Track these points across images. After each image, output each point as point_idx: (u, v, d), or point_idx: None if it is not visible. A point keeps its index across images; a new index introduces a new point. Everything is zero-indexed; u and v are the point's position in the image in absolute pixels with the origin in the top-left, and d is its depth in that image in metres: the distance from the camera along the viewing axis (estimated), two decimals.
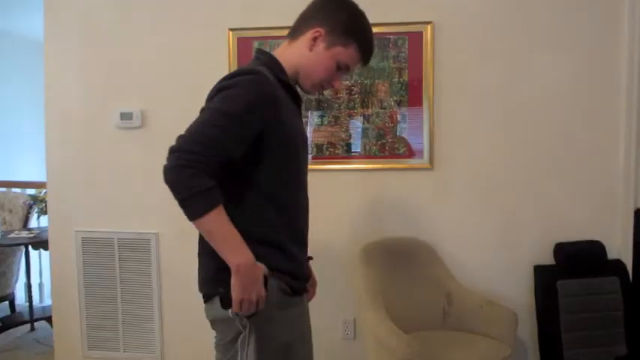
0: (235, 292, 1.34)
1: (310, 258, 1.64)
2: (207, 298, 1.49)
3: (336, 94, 2.75)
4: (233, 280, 1.34)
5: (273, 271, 1.42)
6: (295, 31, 1.54)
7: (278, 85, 1.46)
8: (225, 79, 1.42)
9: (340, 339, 2.85)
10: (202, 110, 1.41)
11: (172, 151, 1.31)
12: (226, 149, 1.33)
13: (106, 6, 2.93)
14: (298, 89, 1.59)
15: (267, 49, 1.59)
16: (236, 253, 1.34)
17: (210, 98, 1.42)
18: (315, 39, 1.49)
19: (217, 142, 1.31)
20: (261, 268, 1.38)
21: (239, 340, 1.41)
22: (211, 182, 1.29)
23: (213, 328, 1.52)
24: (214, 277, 1.43)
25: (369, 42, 1.57)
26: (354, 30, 1.52)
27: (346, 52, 1.51)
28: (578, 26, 2.66)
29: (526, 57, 2.69)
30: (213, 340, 1.55)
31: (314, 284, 1.73)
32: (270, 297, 1.40)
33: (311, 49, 1.50)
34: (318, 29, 1.49)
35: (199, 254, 1.51)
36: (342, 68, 1.54)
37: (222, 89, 1.39)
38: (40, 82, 3.01)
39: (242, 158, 1.37)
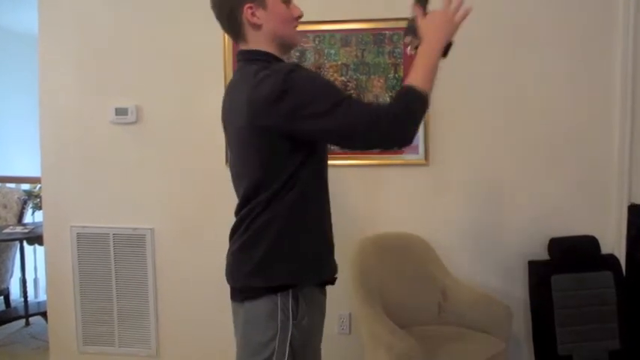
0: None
1: None
2: (248, 295, 1.47)
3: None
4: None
5: (315, 261, 1.52)
6: (236, 32, 1.49)
7: None
8: (278, 83, 1.34)
9: (336, 334, 2.86)
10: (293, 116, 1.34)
11: (381, 143, 1.38)
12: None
13: (100, 1, 2.91)
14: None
15: (245, 47, 1.52)
16: (436, 49, 1.46)
17: (272, 102, 1.34)
18: (253, 14, 1.45)
19: (359, 103, 1.37)
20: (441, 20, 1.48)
21: (277, 337, 1.42)
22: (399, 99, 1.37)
23: (246, 328, 1.49)
24: (260, 270, 1.45)
25: None
26: None
27: None
28: (573, 23, 2.67)
29: (520, 52, 2.70)
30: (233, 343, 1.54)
31: None
32: (307, 292, 1.48)
33: (260, 24, 1.46)
34: (246, 5, 1.44)
35: (241, 247, 1.48)
36: (287, 1, 1.50)
37: (289, 90, 1.33)
38: (33, 76, 3.00)
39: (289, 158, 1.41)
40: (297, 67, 1.37)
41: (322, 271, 1.57)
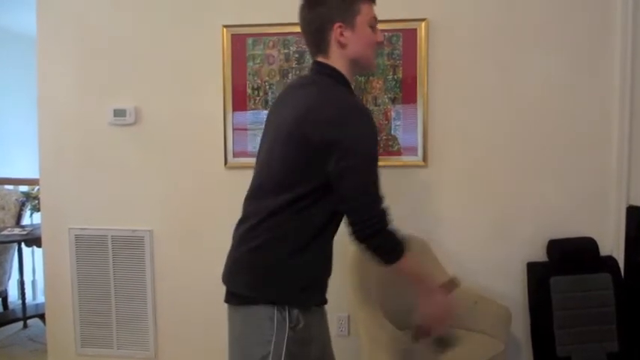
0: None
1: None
2: (244, 301, 1.49)
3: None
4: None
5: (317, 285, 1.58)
6: (319, 46, 1.54)
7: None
8: (343, 123, 1.40)
9: (334, 335, 2.83)
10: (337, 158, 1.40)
11: (360, 222, 1.47)
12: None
13: (99, 2, 2.91)
14: None
15: (324, 61, 1.55)
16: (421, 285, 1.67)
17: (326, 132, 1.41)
18: (341, 34, 1.50)
19: (379, 191, 1.51)
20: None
21: (274, 338, 1.44)
22: (397, 233, 1.55)
23: (242, 330, 1.51)
24: (260, 285, 1.47)
25: None
26: None
27: (364, 14, 1.52)
28: (571, 24, 2.67)
29: (520, 54, 2.70)
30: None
31: None
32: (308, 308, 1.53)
33: (346, 44, 1.51)
34: (336, 24, 1.49)
35: (247, 252, 1.50)
36: (374, 25, 1.55)
37: (349, 138, 1.40)
38: (31, 77, 2.99)
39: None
40: (367, 112, 1.48)
41: (320, 296, 1.61)
